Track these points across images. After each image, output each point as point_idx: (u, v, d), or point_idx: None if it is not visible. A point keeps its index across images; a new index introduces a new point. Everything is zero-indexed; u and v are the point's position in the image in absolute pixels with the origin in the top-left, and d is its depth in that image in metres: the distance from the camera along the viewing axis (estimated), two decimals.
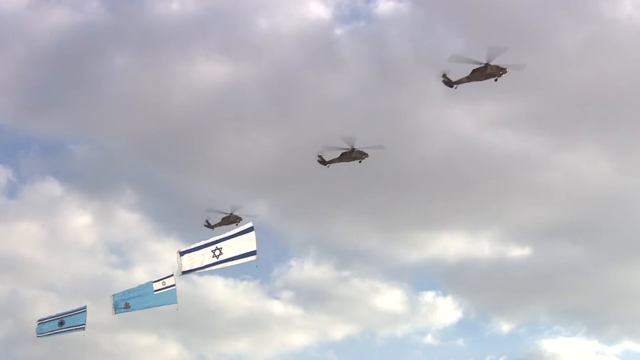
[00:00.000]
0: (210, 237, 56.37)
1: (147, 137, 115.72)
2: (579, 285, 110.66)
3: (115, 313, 59.06)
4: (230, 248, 55.56)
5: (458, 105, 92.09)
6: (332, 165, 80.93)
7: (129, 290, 59.52)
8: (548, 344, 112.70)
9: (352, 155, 79.15)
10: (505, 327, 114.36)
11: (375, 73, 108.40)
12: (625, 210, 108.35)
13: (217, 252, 55.45)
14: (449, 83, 72.65)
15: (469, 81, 71.29)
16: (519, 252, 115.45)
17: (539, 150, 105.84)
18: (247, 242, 55.49)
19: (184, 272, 56.11)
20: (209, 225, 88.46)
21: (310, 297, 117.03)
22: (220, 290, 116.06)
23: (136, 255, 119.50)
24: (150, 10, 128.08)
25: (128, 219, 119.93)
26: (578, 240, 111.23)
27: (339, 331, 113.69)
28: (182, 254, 55.62)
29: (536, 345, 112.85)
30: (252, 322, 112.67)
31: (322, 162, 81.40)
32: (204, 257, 55.59)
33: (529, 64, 69.70)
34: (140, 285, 59.53)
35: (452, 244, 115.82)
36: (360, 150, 78.61)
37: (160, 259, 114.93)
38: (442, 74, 72.19)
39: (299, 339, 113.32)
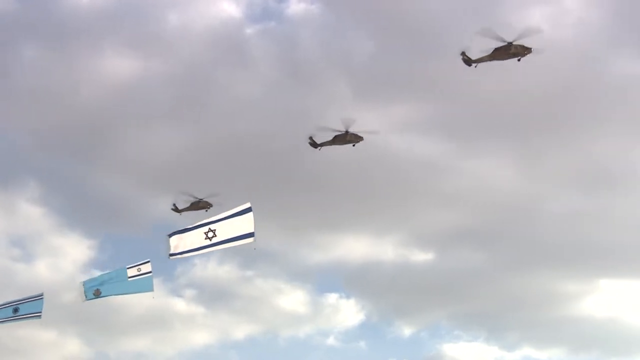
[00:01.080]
0: (203, 219, 50.05)
1: (54, 130, 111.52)
2: (480, 291, 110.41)
3: (85, 300, 53.95)
4: (226, 229, 49.61)
5: (367, 108, 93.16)
6: (323, 147, 77.03)
7: (101, 276, 54.91)
8: (449, 349, 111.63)
9: (346, 138, 75.35)
10: (407, 330, 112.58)
11: (286, 73, 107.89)
12: (528, 217, 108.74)
13: (210, 234, 49.47)
14: (468, 61, 69.25)
15: (490, 60, 68.21)
16: (422, 256, 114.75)
17: (445, 156, 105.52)
18: (244, 223, 49.58)
19: (172, 255, 49.80)
20: (176, 210, 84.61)
21: (213, 296, 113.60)
22: None
23: (38, 249, 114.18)
24: (61, 1, 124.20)
25: (31, 213, 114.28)
26: (480, 246, 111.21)
27: (241, 331, 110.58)
28: (170, 235, 49.35)
29: (437, 350, 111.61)
30: (154, 319, 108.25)
31: (313, 144, 77.17)
32: (196, 238, 49.48)
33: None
34: (113, 271, 55.13)
35: (356, 247, 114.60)
36: (355, 133, 74.80)
37: (63, 253, 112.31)
38: (461, 52, 68.90)
39: (201, 338, 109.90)
